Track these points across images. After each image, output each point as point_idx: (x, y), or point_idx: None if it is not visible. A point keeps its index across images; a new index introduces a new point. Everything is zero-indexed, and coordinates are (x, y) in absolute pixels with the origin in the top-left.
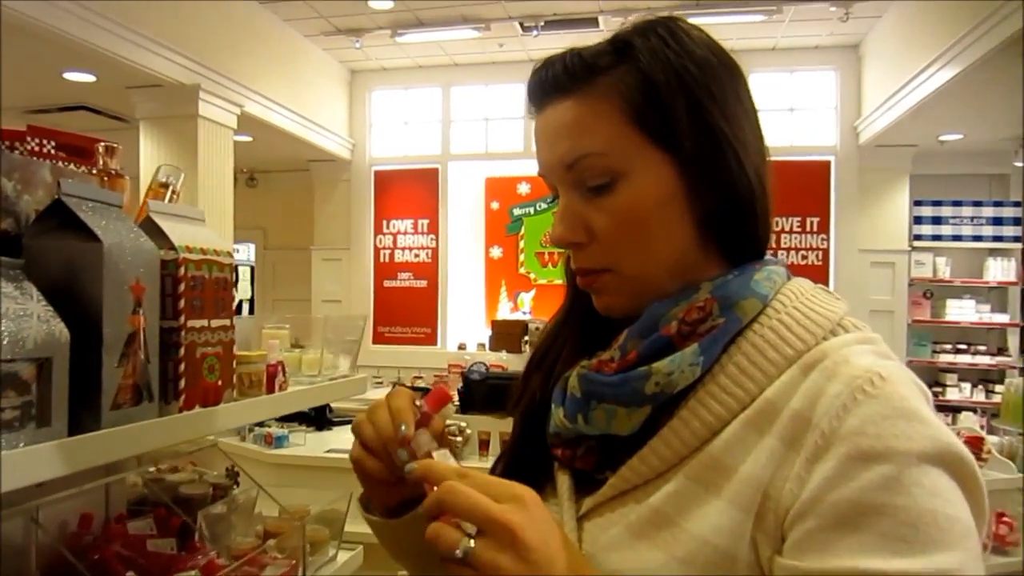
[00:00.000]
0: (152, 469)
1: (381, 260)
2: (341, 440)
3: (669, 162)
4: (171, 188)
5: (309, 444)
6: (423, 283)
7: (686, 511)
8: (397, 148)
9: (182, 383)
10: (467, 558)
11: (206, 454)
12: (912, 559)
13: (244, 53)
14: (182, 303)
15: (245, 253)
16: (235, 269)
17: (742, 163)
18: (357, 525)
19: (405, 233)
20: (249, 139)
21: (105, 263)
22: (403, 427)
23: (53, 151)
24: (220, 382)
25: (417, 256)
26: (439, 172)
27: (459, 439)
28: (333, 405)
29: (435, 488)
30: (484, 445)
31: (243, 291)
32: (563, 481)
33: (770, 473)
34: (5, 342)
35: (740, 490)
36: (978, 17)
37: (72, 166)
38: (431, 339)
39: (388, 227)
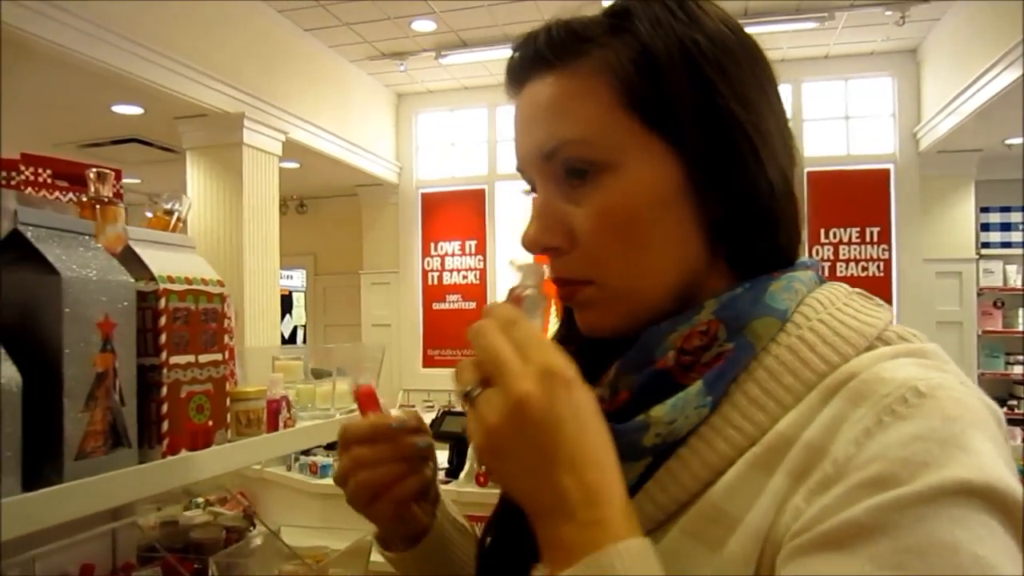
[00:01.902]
0: (200, 501)
1: (429, 282)
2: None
3: (670, 154)
4: (176, 215)
5: None
6: (472, 305)
7: (685, 572)
8: (444, 170)
9: (165, 425)
10: (469, 399)
11: (254, 484)
12: None
13: (289, 80)
14: (163, 338)
15: (297, 279)
16: (290, 295)
17: (760, 157)
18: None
19: (453, 255)
20: (296, 165)
21: (64, 297)
22: (394, 423)
23: (49, 180)
24: (211, 422)
25: (465, 278)
26: (486, 192)
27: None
28: None
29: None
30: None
31: (298, 317)
32: None
33: (772, 518)
34: None
35: (741, 542)
36: None
37: (72, 195)
38: None
39: (436, 249)
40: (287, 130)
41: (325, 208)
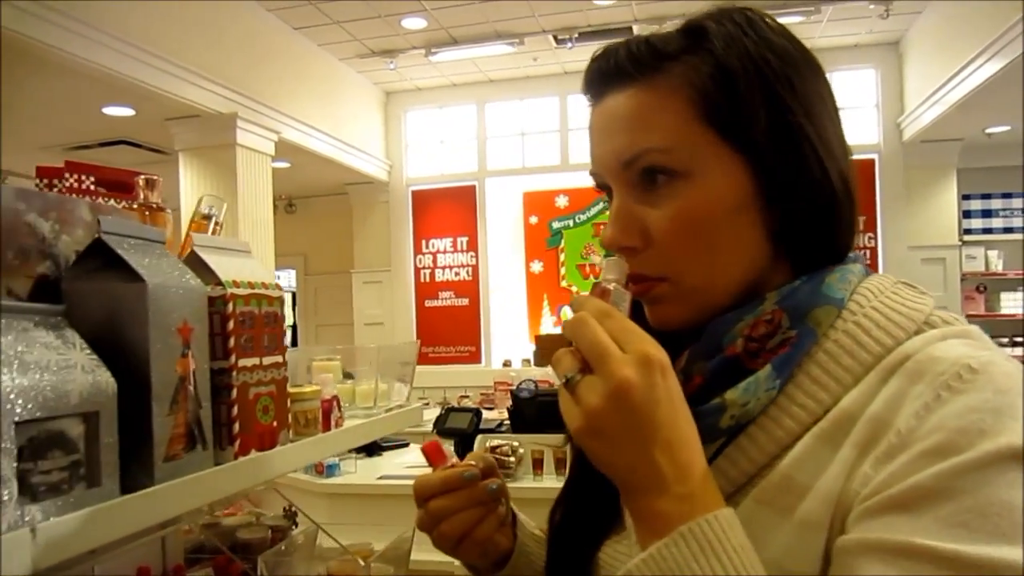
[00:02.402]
0: (215, 514)
1: (422, 280)
2: (392, 466)
3: (742, 163)
4: (214, 220)
5: (361, 471)
6: (465, 301)
7: (759, 538)
8: (434, 167)
9: (236, 427)
10: (571, 385)
11: (261, 492)
12: (972, 545)
13: (280, 79)
14: (232, 342)
15: (286, 280)
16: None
17: (825, 166)
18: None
19: (445, 252)
20: (287, 165)
21: (150, 304)
22: (465, 474)
23: (93, 187)
24: (275, 423)
25: (458, 274)
26: (476, 189)
27: (512, 459)
28: None
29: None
30: (538, 464)
31: (288, 318)
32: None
33: (842, 483)
34: (48, 398)
35: (813, 508)
36: None
37: (113, 202)
38: (475, 357)
39: (428, 247)
40: (279, 130)
41: (314, 207)
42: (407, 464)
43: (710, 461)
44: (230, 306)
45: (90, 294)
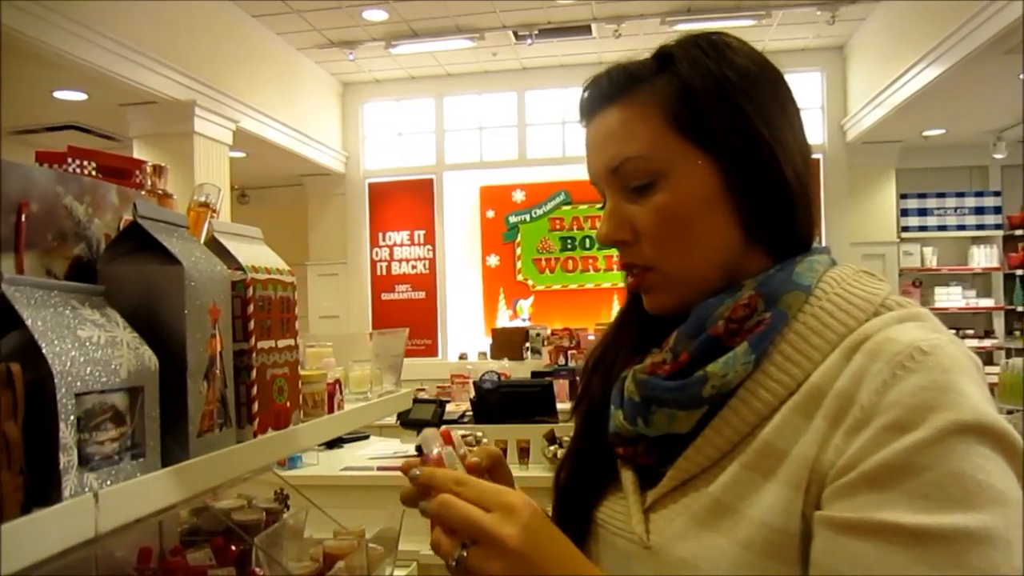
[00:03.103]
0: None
1: (378, 273)
2: (354, 458)
3: (710, 163)
4: (210, 207)
5: (323, 463)
6: (421, 294)
7: (744, 497)
8: (391, 160)
9: (255, 406)
10: (461, 564)
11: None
12: (932, 516)
13: (238, 68)
14: (252, 324)
15: None
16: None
17: (780, 164)
18: (409, 543)
19: (402, 245)
20: (243, 155)
21: (186, 286)
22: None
23: (94, 173)
24: (289, 403)
25: (414, 268)
26: (434, 182)
27: (475, 448)
28: None
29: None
30: (503, 454)
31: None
32: (627, 477)
33: (816, 450)
34: (100, 372)
35: (791, 470)
36: (961, 18)
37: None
38: (432, 350)
39: (384, 239)
40: (238, 119)
41: (268, 198)
42: (369, 456)
43: (697, 429)
44: (250, 290)
45: (127, 275)
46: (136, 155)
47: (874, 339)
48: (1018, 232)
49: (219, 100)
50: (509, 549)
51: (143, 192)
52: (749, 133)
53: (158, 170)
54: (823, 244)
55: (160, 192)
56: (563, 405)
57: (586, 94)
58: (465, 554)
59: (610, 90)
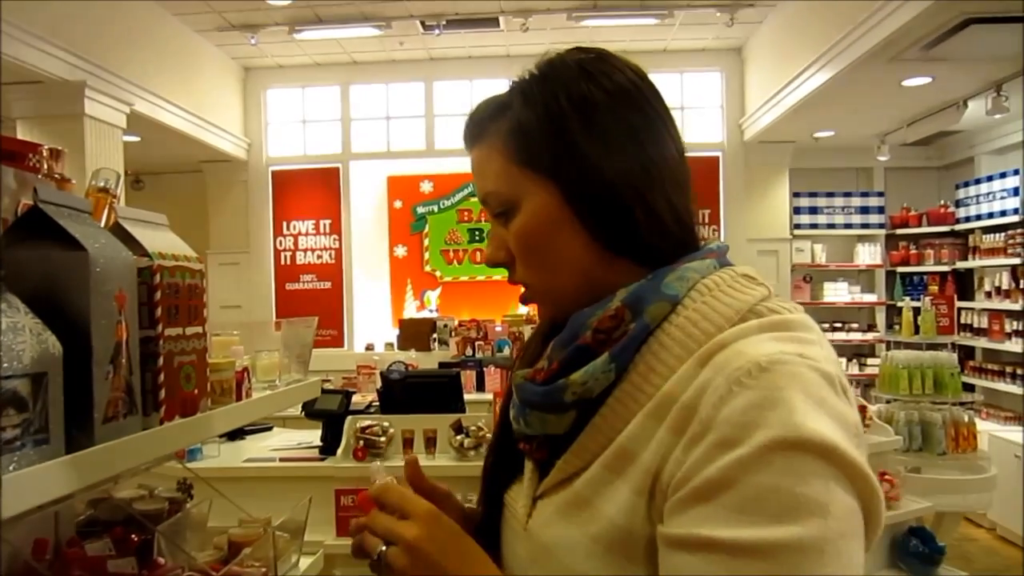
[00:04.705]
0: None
1: (282, 263)
2: (257, 449)
3: (551, 187)
4: (110, 193)
5: (224, 455)
6: (327, 284)
7: (600, 494)
8: (296, 148)
9: (162, 393)
10: (381, 560)
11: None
12: (748, 530)
13: (132, 49)
14: (159, 311)
15: None
16: None
17: (612, 181)
18: (314, 534)
19: (307, 234)
20: (137, 139)
21: (91, 273)
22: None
23: None
24: (196, 391)
25: (320, 257)
26: (340, 172)
27: (382, 439)
28: None
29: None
30: (408, 443)
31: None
32: (529, 467)
33: (659, 460)
34: (2, 359)
35: (638, 475)
36: (849, 26)
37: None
38: (338, 341)
39: (289, 228)
40: (131, 101)
41: (165, 185)
42: (272, 447)
43: (571, 432)
44: (157, 277)
45: (29, 261)
46: (20, 137)
47: (725, 352)
48: (899, 231)
49: (111, 82)
50: (417, 549)
51: (40, 176)
52: (577, 156)
53: (55, 154)
54: (722, 244)
55: (57, 176)
56: (470, 396)
57: (464, 133)
58: (385, 550)
59: (472, 133)
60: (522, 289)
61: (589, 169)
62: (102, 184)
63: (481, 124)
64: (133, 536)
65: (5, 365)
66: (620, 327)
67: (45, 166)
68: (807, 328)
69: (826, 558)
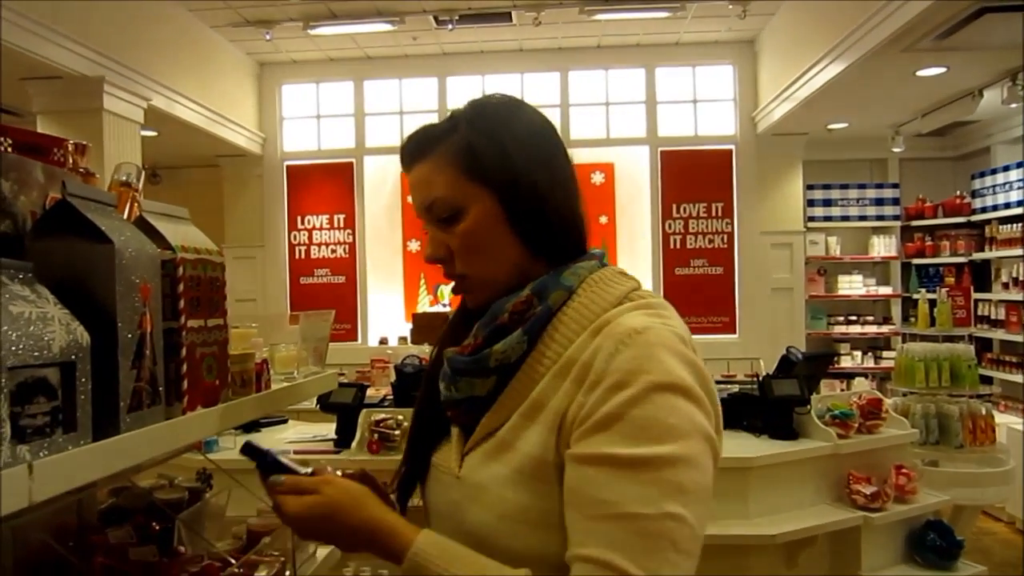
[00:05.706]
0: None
1: (297, 257)
2: (272, 441)
3: (492, 198)
4: (132, 187)
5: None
6: (341, 279)
7: (519, 437)
8: (310, 142)
9: (185, 384)
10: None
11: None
12: (638, 447)
13: (149, 45)
14: (182, 303)
15: None
16: None
17: (542, 196)
18: None
19: (321, 229)
20: (154, 134)
21: (117, 264)
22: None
23: (9, 149)
24: (218, 382)
25: (334, 252)
26: (354, 166)
27: (396, 432)
28: None
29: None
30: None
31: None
32: (455, 432)
33: (566, 404)
34: (32, 347)
35: (548, 417)
36: (862, 16)
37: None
38: (352, 335)
39: (303, 223)
40: (149, 96)
41: (181, 179)
42: (287, 439)
43: (493, 393)
44: (180, 269)
45: (57, 253)
46: (40, 131)
47: (610, 325)
48: (914, 223)
49: (129, 77)
50: (316, 505)
51: (65, 170)
52: (514, 173)
53: (80, 148)
54: (601, 250)
55: (82, 171)
56: None
57: (406, 150)
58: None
59: (421, 148)
60: (453, 283)
61: (522, 184)
62: (124, 178)
63: (429, 143)
64: (154, 524)
65: (36, 354)
66: (530, 309)
67: (70, 160)
68: (665, 307)
69: (691, 465)
